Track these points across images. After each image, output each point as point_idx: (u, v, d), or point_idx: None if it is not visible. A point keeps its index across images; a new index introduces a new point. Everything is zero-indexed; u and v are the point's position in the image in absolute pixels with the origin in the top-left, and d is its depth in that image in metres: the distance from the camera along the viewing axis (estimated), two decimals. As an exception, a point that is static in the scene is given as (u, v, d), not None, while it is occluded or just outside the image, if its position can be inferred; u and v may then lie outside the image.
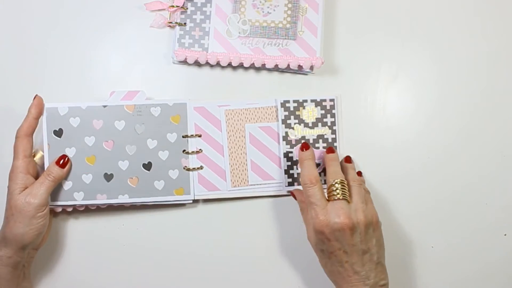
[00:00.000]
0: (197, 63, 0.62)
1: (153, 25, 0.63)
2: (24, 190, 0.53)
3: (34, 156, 0.58)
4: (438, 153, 0.63)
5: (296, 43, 0.62)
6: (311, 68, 0.62)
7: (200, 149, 0.60)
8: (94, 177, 0.58)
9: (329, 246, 0.51)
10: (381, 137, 0.63)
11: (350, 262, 0.51)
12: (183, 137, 0.59)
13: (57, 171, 0.55)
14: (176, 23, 0.63)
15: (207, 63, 0.62)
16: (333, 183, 0.53)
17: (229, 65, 0.62)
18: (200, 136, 0.60)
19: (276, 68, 0.63)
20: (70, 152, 0.58)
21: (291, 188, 0.60)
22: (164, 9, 0.63)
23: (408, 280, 0.62)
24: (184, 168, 0.59)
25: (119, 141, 0.58)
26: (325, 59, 0.63)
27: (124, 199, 0.58)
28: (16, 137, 0.56)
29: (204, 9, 0.63)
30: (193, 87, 0.63)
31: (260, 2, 0.62)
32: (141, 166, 0.59)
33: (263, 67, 0.63)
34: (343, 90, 0.64)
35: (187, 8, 0.63)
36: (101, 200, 0.58)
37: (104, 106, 0.58)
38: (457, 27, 0.65)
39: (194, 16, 0.63)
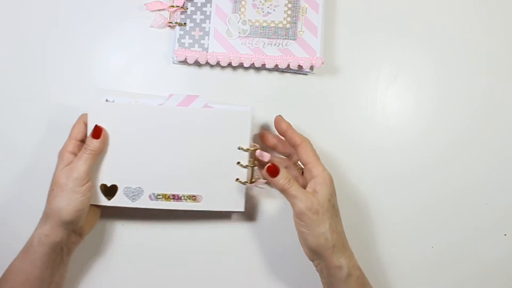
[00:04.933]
0: (197, 63, 0.62)
1: (153, 25, 0.63)
2: (67, 165, 0.53)
3: None
4: (438, 153, 0.63)
5: (296, 43, 0.62)
6: (311, 68, 0.62)
7: (254, 163, 0.56)
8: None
9: (336, 200, 0.54)
10: (381, 137, 0.63)
11: (340, 219, 0.54)
12: (238, 148, 0.55)
13: (93, 143, 0.53)
14: (176, 23, 0.63)
15: (207, 63, 0.62)
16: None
17: (229, 65, 0.62)
18: (256, 149, 0.56)
19: (276, 68, 0.63)
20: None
21: None
22: (164, 9, 0.63)
23: (408, 280, 0.62)
24: (236, 180, 0.56)
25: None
26: (325, 59, 0.63)
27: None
28: (76, 120, 0.56)
29: (204, 9, 0.63)
30: (193, 87, 0.63)
31: (260, 2, 0.62)
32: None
33: (263, 67, 0.63)
34: (343, 90, 0.64)
35: (187, 8, 0.63)
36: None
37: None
38: (457, 27, 0.65)
39: (194, 16, 0.63)
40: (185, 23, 0.63)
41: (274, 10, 0.62)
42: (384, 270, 0.62)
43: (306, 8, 0.62)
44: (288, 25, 0.62)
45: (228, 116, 0.55)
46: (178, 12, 0.63)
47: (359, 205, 0.62)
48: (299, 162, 0.57)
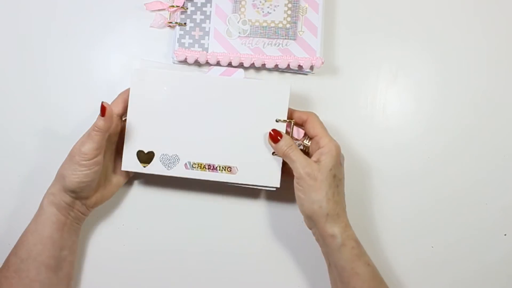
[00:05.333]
0: (197, 63, 0.62)
1: (153, 25, 0.63)
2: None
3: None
4: (438, 153, 0.63)
5: (296, 43, 0.62)
6: (311, 68, 0.62)
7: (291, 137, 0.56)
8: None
9: (340, 171, 0.53)
10: (381, 137, 0.63)
11: (343, 191, 0.54)
12: (276, 121, 0.56)
13: (99, 120, 0.52)
14: (176, 23, 0.63)
15: (207, 63, 0.62)
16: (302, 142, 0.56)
17: (229, 65, 0.62)
18: (292, 122, 0.56)
19: (276, 68, 0.63)
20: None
21: None
22: (164, 9, 0.63)
23: (408, 280, 0.62)
24: (273, 153, 0.56)
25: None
26: (325, 59, 0.63)
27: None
28: (116, 96, 0.56)
29: (204, 9, 0.63)
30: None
31: (260, 2, 0.62)
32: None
33: (263, 67, 0.63)
34: (343, 90, 0.64)
35: (187, 8, 0.63)
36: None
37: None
38: (457, 27, 0.65)
39: (194, 16, 0.63)
40: (185, 23, 0.63)
41: (274, 10, 0.62)
42: (384, 270, 0.62)
43: (306, 8, 0.62)
44: (288, 25, 0.62)
45: (268, 88, 0.56)
46: (178, 12, 0.63)
47: (359, 205, 0.62)
48: (304, 141, 0.56)
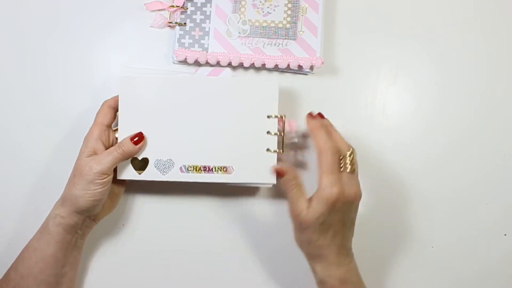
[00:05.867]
0: (197, 63, 0.62)
1: (153, 25, 0.63)
2: (91, 154, 0.53)
3: (115, 130, 0.57)
4: (438, 153, 0.63)
5: (296, 43, 0.62)
6: (311, 68, 0.62)
7: (284, 132, 0.56)
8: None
9: (333, 218, 0.50)
10: (381, 137, 0.63)
11: (343, 234, 0.51)
12: (268, 117, 0.56)
13: (129, 146, 0.54)
14: (176, 23, 0.63)
15: (207, 63, 0.62)
16: (345, 155, 0.51)
17: (229, 65, 0.62)
18: (283, 116, 0.56)
19: (276, 68, 0.63)
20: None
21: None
22: (164, 9, 0.63)
23: (408, 280, 0.62)
24: (267, 150, 0.56)
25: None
26: (325, 59, 0.63)
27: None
28: (101, 106, 0.56)
29: (204, 9, 0.63)
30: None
31: (260, 2, 0.62)
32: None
33: (263, 67, 0.63)
34: (343, 90, 0.64)
35: (187, 8, 0.63)
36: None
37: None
38: (457, 27, 0.65)
39: (194, 16, 0.63)
40: (185, 23, 0.63)
41: (274, 10, 0.62)
42: (384, 270, 0.62)
43: (306, 8, 0.62)
44: (288, 25, 0.62)
45: (256, 85, 0.56)
46: (178, 12, 0.63)
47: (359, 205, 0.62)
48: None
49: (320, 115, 0.56)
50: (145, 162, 0.56)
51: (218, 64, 0.62)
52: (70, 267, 0.54)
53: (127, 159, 0.55)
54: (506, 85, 0.64)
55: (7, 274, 0.53)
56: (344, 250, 0.52)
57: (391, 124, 0.64)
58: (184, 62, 0.63)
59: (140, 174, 0.56)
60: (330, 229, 0.50)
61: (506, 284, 0.62)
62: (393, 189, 0.63)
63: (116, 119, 0.57)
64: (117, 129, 0.56)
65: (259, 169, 0.56)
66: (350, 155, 0.51)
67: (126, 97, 0.55)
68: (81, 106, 0.62)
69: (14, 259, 0.54)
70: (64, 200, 0.53)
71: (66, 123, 0.62)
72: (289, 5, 0.62)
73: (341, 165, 0.51)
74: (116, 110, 0.56)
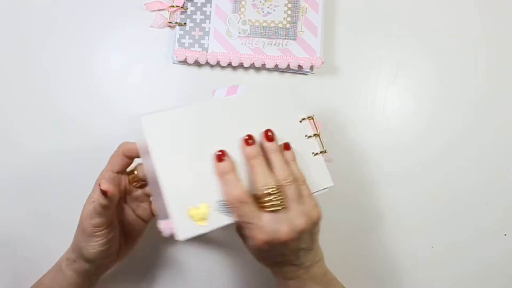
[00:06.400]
0: (197, 63, 0.62)
1: (153, 25, 0.63)
2: (91, 202, 0.48)
3: (132, 171, 0.52)
4: (438, 153, 0.63)
5: (296, 43, 0.62)
6: (311, 68, 0.62)
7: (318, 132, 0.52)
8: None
9: (273, 255, 0.47)
10: (381, 137, 0.63)
11: (292, 260, 0.47)
12: (300, 121, 0.51)
13: (102, 199, 0.47)
14: (176, 23, 0.63)
15: (207, 63, 0.62)
16: (266, 191, 0.45)
17: (229, 65, 0.62)
18: (313, 117, 0.52)
19: (276, 68, 0.63)
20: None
21: None
22: (164, 9, 0.63)
23: (408, 280, 0.62)
24: (312, 153, 0.51)
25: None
26: (325, 59, 0.63)
27: None
28: (115, 150, 0.50)
29: (204, 9, 0.63)
30: (193, 87, 0.63)
31: (260, 2, 0.62)
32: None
33: (263, 67, 0.63)
34: (343, 90, 0.64)
35: (187, 8, 0.63)
36: None
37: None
38: (457, 27, 0.65)
39: (194, 16, 0.63)
40: (185, 23, 0.63)
41: (274, 10, 0.62)
42: (384, 270, 0.62)
43: (306, 8, 0.62)
44: (288, 25, 0.62)
45: (277, 94, 0.51)
46: (178, 12, 0.63)
47: (359, 205, 0.62)
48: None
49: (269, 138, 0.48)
50: (204, 209, 0.46)
51: (218, 64, 0.62)
52: None
53: (108, 205, 0.47)
54: (506, 85, 0.64)
55: None
56: (296, 267, 0.48)
57: (391, 124, 0.64)
58: (184, 62, 0.63)
59: (206, 225, 0.45)
60: (275, 263, 0.49)
61: (506, 284, 0.62)
62: (393, 189, 0.63)
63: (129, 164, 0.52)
64: (131, 172, 0.52)
65: (314, 177, 0.50)
66: (274, 191, 0.45)
67: (156, 141, 0.46)
68: (81, 106, 0.62)
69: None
70: (73, 247, 0.50)
71: (66, 123, 0.62)
72: (289, 5, 0.62)
73: (263, 204, 0.45)
74: (130, 157, 0.50)
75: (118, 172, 0.51)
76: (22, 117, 0.62)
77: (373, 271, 0.61)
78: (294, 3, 0.62)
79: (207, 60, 0.62)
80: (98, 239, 0.48)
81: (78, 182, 0.61)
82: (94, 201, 0.47)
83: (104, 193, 0.46)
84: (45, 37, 0.63)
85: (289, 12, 0.62)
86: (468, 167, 0.63)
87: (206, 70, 0.63)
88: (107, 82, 0.63)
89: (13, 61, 0.63)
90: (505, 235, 0.63)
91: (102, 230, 0.48)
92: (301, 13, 0.62)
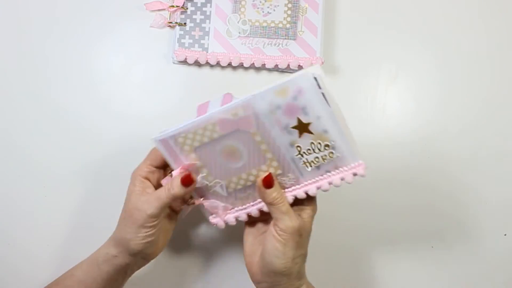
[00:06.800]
0: (197, 63, 0.62)
1: (153, 25, 0.63)
2: (142, 193, 0.50)
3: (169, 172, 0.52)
4: (438, 153, 0.63)
5: (296, 43, 0.62)
6: (311, 68, 0.62)
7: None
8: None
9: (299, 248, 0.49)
10: (381, 137, 0.63)
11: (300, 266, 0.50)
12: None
13: (179, 189, 0.49)
14: (176, 23, 0.63)
15: (207, 63, 0.62)
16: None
17: (229, 65, 0.62)
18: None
19: (276, 68, 0.63)
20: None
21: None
22: (164, 9, 0.63)
23: (408, 280, 0.62)
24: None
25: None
26: (325, 59, 0.63)
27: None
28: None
29: (204, 9, 0.63)
30: (193, 87, 0.63)
31: (260, 2, 0.62)
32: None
33: (263, 67, 0.63)
34: (343, 90, 0.64)
35: (187, 8, 0.63)
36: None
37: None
38: (457, 26, 0.65)
39: (194, 16, 0.63)
40: (185, 23, 0.63)
41: (274, 10, 0.62)
42: (384, 270, 0.62)
43: (306, 8, 0.62)
44: (288, 25, 0.62)
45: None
46: (178, 12, 0.63)
47: (359, 205, 0.62)
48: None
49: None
50: None
51: (218, 64, 0.62)
52: None
53: (178, 200, 0.51)
54: (507, 85, 0.64)
55: None
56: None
57: (391, 124, 0.64)
58: (184, 62, 0.63)
59: None
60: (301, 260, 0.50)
61: (506, 284, 0.62)
62: (393, 189, 0.63)
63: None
64: (167, 172, 0.53)
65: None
66: None
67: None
68: (81, 106, 0.62)
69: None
70: (116, 241, 0.51)
71: (66, 123, 0.62)
72: (289, 5, 0.62)
73: None
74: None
75: (157, 167, 0.52)
76: (21, 116, 0.62)
77: (373, 270, 0.61)
78: (294, 3, 0.62)
79: (207, 60, 0.62)
80: (149, 230, 0.49)
81: (78, 182, 0.61)
82: (170, 189, 0.48)
83: (189, 180, 0.48)
84: (45, 37, 0.63)
85: (289, 12, 0.62)
86: (468, 167, 0.63)
87: (206, 70, 0.63)
88: (107, 82, 0.63)
89: (13, 61, 0.63)
90: (505, 235, 0.63)
91: (155, 221, 0.49)
92: (301, 13, 0.62)
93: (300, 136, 0.48)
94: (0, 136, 0.62)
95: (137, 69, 0.63)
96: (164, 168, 0.53)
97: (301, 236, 0.48)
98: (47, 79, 0.63)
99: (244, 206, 0.52)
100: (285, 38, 0.62)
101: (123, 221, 0.50)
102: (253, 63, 0.61)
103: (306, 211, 0.49)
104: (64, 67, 0.63)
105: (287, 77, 0.46)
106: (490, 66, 0.65)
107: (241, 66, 0.62)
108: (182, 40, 0.62)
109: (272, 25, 0.62)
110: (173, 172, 0.50)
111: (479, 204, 0.63)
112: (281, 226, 0.47)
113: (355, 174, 0.50)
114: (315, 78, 0.47)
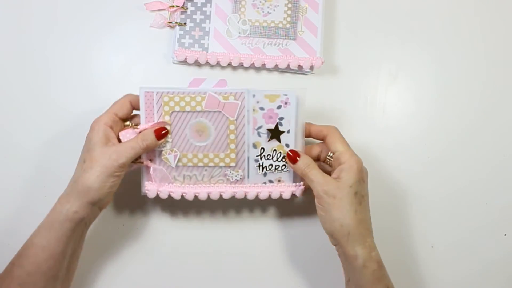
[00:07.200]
0: (197, 63, 0.62)
1: (153, 25, 0.63)
2: (106, 142, 0.51)
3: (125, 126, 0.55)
4: (438, 153, 0.63)
5: (296, 43, 0.62)
6: (311, 68, 0.62)
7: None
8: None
9: (362, 187, 0.52)
10: (381, 137, 0.63)
11: (369, 210, 0.53)
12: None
13: (152, 140, 0.52)
14: (176, 23, 0.63)
15: (207, 63, 0.62)
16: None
17: (229, 65, 0.62)
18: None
19: (276, 68, 0.63)
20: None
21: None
22: (164, 9, 0.63)
23: (408, 280, 0.62)
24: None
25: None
26: (325, 59, 0.63)
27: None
28: (121, 97, 0.54)
29: (204, 9, 0.63)
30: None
31: (260, 2, 0.62)
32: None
33: (263, 67, 0.63)
34: (343, 90, 0.64)
35: (187, 8, 0.63)
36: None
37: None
38: (457, 27, 0.65)
39: (194, 16, 0.63)
40: (185, 23, 0.63)
41: (274, 10, 0.62)
42: (384, 270, 0.62)
43: (306, 8, 0.62)
44: (288, 25, 0.62)
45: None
46: (178, 12, 0.63)
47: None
48: (328, 155, 0.55)
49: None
50: None
51: (218, 64, 0.62)
52: (76, 257, 0.54)
53: (149, 151, 0.53)
54: (506, 85, 0.64)
55: (10, 271, 0.51)
56: (372, 232, 0.52)
57: (391, 124, 0.64)
58: (184, 62, 0.63)
59: None
60: (362, 201, 0.51)
61: (506, 284, 0.62)
62: (393, 189, 0.63)
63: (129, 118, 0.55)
64: (130, 124, 0.55)
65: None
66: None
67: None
68: (81, 106, 0.62)
69: (33, 236, 0.53)
70: (75, 192, 0.51)
71: (66, 123, 0.62)
72: (289, 5, 0.62)
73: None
74: (134, 108, 0.54)
75: (120, 118, 0.53)
76: (22, 117, 0.62)
77: (373, 271, 0.61)
78: (294, 3, 0.62)
79: (207, 60, 0.62)
80: (115, 179, 0.51)
81: (78, 182, 0.61)
82: (144, 141, 0.51)
83: (161, 136, 0.52)
84: (45, 37, 0.63)
85: (289, 12, 0.62)
86: (468, 167, 0.63)
87: (206, 70, 0.63)
88: (107, 82, 0.63)
89: (13, 61, 0.63)
90: (505, 235, 0.63)
91: (123, 171, 0.51)
92: (301, 13, 0.62)
93: (268, 140, 0.54)
94: (0, 136, 0.62)
95: (137, 69, 0.63)
96: (124, 121, 0.54)
97: (335, 197, 0.51)
98: (47, 79, 0.63)
99: (183, 185, 0.55)
100: (285, 38, 0.62)
101: (89, 170, 0.50)
102: (253, 63, 0.61)
103: (342, 167, 0.52)
104: (64, 67, 0.63)
105: (279, 89, 0.54)
106: (489, 66, 0.65)
107: (241, 66, 0.62)
108: (182, 40, 0.62)
109: (272, 25, 0.62)
110: (140, 126, 0.53)
111: (479, 203, 0.63)
112: (315, 194, 0.52)
113: (293, 194, 0.56)
114: (298, 98, 0.54)
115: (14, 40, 0.63)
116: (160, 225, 0.61)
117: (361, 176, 0.52)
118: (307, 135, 0.56)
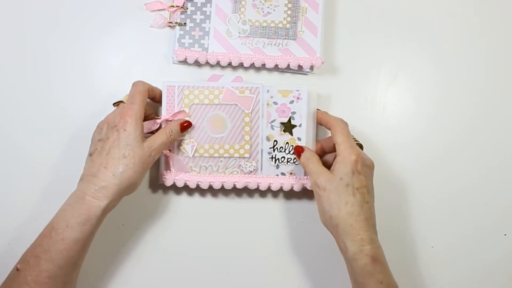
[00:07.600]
0: (197, 63, 0.62)
1: (153, 25, 0.63)
2: (143, 138, 0.53)
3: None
4: (438, 153, 0.63)
5: (296, 43, 0.62)
6: (311, 68, 0.62)
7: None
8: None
9: (356, 180, 0.51)
10: (381, 137, 0.63)
11: (370, 204, 0.52)
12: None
13: (178, 133, 0.56)
14: (176, 23, 0.63)
15: (207, 63, 0.62)
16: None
17: (229, 65, 0.62)
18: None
19: (276, 68, 0.63)
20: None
21: None
22: (164, 9, 0.63)
23: (408, 280, 0.62)
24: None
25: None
26: (325, 59, 0.63)
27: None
28: (137, 85, 0.55)
29: (204, 9, 0.63)
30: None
31: (260, 2, 0.62)
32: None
33: (263, 67, 0.63)
34: (343, 90, 0.64)
35: (187, 8, 0.63)
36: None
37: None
38: (457, 27, 0.65)
39: (194, 16, 0.63)
40: (185, 23, 0.63)
41: (274, 10, 0.62)
42: (384, 270, 0.62)
43: (306, 8, 0.62)
44: (288, 25, 0.62)
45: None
46: (178, 12, 0.63)
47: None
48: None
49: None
50: None
51: (218, 64, 0.62)
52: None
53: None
54: (506, 85, 0.64)
55: (38, 265, 0.49)
56: (372, 226, 0.52)
57: (391, 124, 0.64)
58: (184, 62, 0.63)
59: None
60: (357, 193, 0.51)
61: (506, 284, 0.62)
62: (393, 189, 0.63)
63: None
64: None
65: None
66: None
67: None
68: (81, 106, 0.62)
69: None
70: (115, 188, 0.51)
71: (66, 123, 0.62)
72: (289, 5, 0.62)
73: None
74: (149, 97, 0.57)
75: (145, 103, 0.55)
76: (22, 117, 0.62)
77: (373, 271, 0.61)
78: (294, 3, 0.62)
79: (207, 60, 0.62)
80: (147, 168, 0.53)
81: (78, 182, 0.61)
82: (171, 134, 0.55)
83: (184, 128, 0.56)
84: (45, 37, 0.63)
85: (289, 12, 0.62)
86: (468, 167, 0.63)
87: (206, 70, 0.63)
88: (107, 82, 0.63)
89: (13, 61, 0.63)
90: (505, 235, 0.63)
91: (154, 161, 0.54)
92: (301, 13, 0.62)
93: (281, 133, 0.58)
94: (0, 136, 0.62)
95: (137, 69, 0.63)
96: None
97: (325, 190, 0.51)
98: (47, 79, 0.63)
99: (199, 175, 0.58)
100: (285, 38, 0.62)
101: (132, 167, 0.51)
102: (253, 63, 0.61)
103: (337, 159, 0.53)
104: (64, 67, 0.63)
105: (293, 84, 0.60)
106: (489, 66, 0.65)
107: (241, 66, 0.62)
108: (182, 40, 0.62)
109: (272, 25, 0.62)
110: (162, 117, 0.57)
111: (479, 203, 0.63)
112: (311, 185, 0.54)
113: (304, 186, 0.58)
114: (310, 94, 0.58)
115: (14, 40, 0.63)
116: (160, 225, 0.61)
117: (356, 168, 0.52)
118: (318, 122, 0.59)
